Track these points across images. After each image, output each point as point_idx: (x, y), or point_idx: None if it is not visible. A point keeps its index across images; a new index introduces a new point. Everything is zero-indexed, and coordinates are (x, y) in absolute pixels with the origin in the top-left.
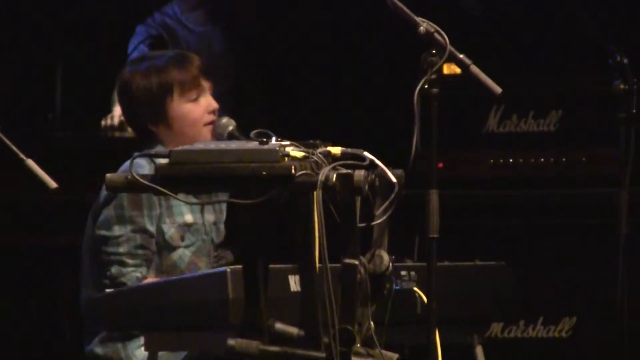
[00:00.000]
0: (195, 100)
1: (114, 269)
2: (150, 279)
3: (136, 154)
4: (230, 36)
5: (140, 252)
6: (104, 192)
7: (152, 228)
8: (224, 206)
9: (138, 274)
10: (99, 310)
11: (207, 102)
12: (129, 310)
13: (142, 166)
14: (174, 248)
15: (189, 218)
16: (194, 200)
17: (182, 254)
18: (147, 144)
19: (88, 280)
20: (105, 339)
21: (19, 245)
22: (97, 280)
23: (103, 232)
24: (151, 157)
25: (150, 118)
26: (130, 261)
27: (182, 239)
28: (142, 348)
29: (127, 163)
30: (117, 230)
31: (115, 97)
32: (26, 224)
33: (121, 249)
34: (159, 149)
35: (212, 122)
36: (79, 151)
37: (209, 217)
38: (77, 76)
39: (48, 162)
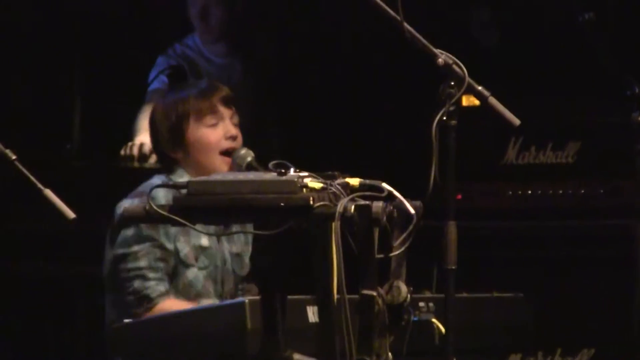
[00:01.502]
0: (213, 126)
1: (137, 283)
2: (172, 299)
3: (155, 184)
4: (249, 69)
5: (160, 265)
6: (118, 210)
7: (170, 246)
8: (250, 239)
9: (161, 288)
10: (118, 340)
11: (225, 129)
12: (147, 340)
13: (159, 195)
14: (188, 266)
15: (204, 242)
16: (212, 230)
17: (197, 274)
18: (167, 170)
19: (110, 303)
20: None
21: (36, 274)
22: (121, 299)
23: (121, 251)
24: (169, 187)
25: (170, 145)
26: (151, 275)
27: (196, 259)
28: None
29: (144, 185)
30: (136, 247)
31: (137, 126)
32: (44, 253)
33: (141, 263)
34: (180, 172)
35: (230, 150)
36: (98, 181)
37: (233, 247)
38: (96, 105)
39: (66, 191)
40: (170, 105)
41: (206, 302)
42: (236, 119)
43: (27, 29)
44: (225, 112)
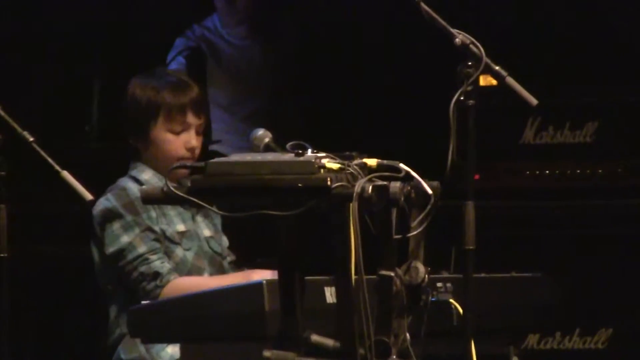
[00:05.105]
0: (178, 133)
1: (143, 268)
2: (181, 279)
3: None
4: (270, 52)
5: (157, 245)
6: (95, 212)
7: (156, 228)
8: (218, 223)
9: (167, 265)
10: (135, 322)
11: (187, 138)
12: (165, 322)
13: (128, 187)
14: (176, 244)
15: (181, 227)
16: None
17: (184, 255)
18: (132, 155)
19: (115, 312)
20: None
21: (54, 256)
22: (130, 293)
23: (114, 248)
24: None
25: (133, 132)
26: (153, 257)
27: (180, 242)
28: (168, 349)
29: (116, 184)
30: (127, 238)
31: None
32: (61, 234)
33: (140, 250)
34: (140, 167)
35: (187, 159)
36: (116, 163)
37: (205, 231)
38: (114, 88)
39: (84, 174)
40: (146, 91)
41: (201, 277)
42: (202, 127)
43: (46, 13)
44: (193, 120)
